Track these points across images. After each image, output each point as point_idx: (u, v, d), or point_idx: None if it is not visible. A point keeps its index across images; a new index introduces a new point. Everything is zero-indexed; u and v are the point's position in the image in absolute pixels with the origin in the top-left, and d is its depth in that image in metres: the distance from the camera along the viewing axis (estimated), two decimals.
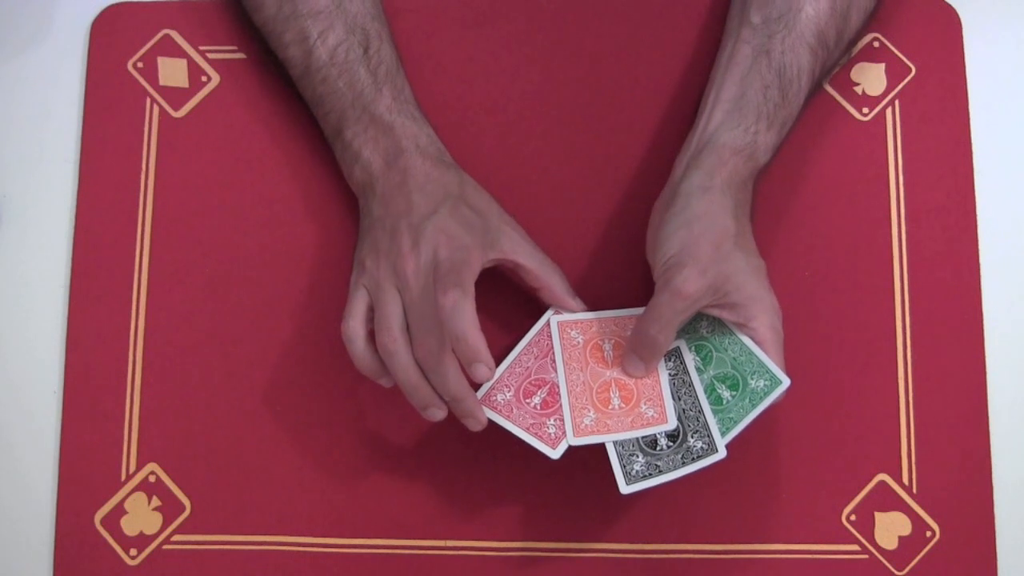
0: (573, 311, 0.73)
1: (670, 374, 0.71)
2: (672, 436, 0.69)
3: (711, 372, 0.70)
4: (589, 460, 0.70)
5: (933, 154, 0.79)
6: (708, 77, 0.77)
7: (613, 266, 0.77)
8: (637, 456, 0.68)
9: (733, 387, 0.69)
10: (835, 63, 0.77)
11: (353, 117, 0.73)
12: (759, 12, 0.73)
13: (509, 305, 0.76)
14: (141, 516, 0.76)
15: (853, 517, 0.75)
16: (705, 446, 0.68)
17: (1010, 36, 0.81)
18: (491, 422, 0.69)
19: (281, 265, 0.78)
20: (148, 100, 0.81)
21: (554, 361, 0.71)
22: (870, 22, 0.76)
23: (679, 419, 0.69)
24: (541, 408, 0.70)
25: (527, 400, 0.70)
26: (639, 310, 0.69)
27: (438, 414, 0.69)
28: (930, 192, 0.78)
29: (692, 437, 0.68)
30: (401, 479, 0.76)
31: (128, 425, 0.77)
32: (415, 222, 0.70)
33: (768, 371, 0.68)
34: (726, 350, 0.70)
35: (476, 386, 0.69)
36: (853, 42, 0.77)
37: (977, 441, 0.75)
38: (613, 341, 0.72)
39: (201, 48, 0.82)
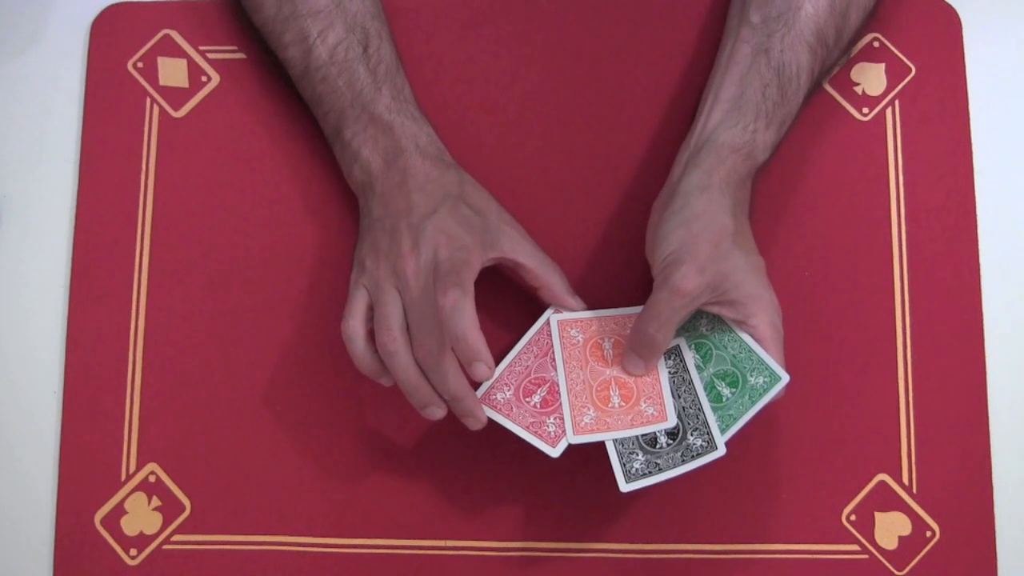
0: (573, 310, 0.73)
1: (670, 372, 0.71)
2: (672, 434, 0.69)
3: (711, 370, 0.70)
4: (589, 459, 0.70)
5: (933, 154, 0.79)
6: (707, 76, 0.77)
7: (613, 265, 0.77)
8: (637, 454, 0.68)
9: (733, 384, 0.69)
10: (835, 62, 0.77)
11: (352, 116, 0.73)
12: (758, 11, 0.73)
13: (509, 304, 0.76)
14: (141, 516, 0.76)
15: (853, 517, 0.75)
16: (705, 444, 0.68)
17: (1010, 36, 0.81)
18: (491, 421, 0.69)
19: (281, 265, 0.78)
20: (148, 100, 0.81)
21: (554, 360, 0.71)
22: (870, 21, 0.76)
23: (679, 417, 0.69)
24: (541, 407, 0.70)
25: (527, 399, 0.70)
26: (639, 308, 0.69)
27: (438, 413, 0.69)
28: (930, 192, 0.78)
29: (692, 435, 0.68)
30: (401, 479, 0.76)
31: (128, 425, 0.77)
32: (415, 222, 0.70)
33: (767, 368, 0.68)
34: (726, 347, 0.70)
35: (476, 385, 0.69)
36: (853, 41, 0.77)
37: (977, 441, 0.75)
38: (613, 340, 0.72)
39: (201, 48, 0.82)
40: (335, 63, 0.73)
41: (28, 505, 0.76)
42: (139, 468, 0.76)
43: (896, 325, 0.77)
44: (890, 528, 0.75)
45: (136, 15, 0.82)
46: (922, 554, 0.74)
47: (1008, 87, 0.81)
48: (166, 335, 0.78)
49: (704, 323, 0.71)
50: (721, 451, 0.67)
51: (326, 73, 0.74)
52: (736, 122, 0.71)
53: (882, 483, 0.75)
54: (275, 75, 0.79)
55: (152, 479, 0.76)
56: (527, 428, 0.69)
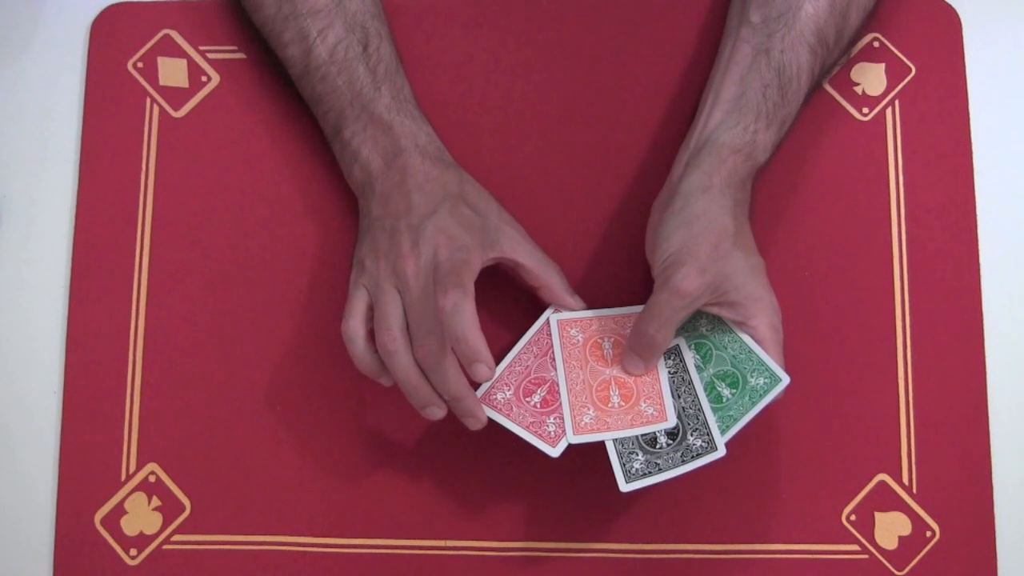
0: (573, 309, 0.73)
1: (670, 372, 0.71)
2: (672, 434, 0.69)
3: (711, 370, 0.70)
4: (589, 459, 0.70)
5: (933, 154, 0.79)
6: (707, 76, 0.77)
7: (613, 265, 0.77)
8: (637, 454, 0.68)
9: (733, 385, 0.69)
10: (835, 62, 0.77)
11: (352, 116, 0.73)
12: (759, 11, 0.73)
13: (509, 304, 0.76)
14: (141, 516, 0.76)
15: (853, 517, 0.75)
16: (705, 444, 0.68)
17: (1010, 36, 0.81)
18: (491, 421, 0.69)
19: (281, 265, 0.78)
20: (148, 100, 0.81)
21: (554, 360, 0.71)
22: (870, 21, 0.76)
23: (679, 417, 0.69)
24: (541, 406, 0.70)
25: (527, 399, 0.70)
26: (638, 308, 0.69)
27: (438, 413, 0.69)
28: (930, 192, 0.78)
29: (692, 435, 0.68)
30: (401, 479, 0.76)
31: (128, 425, 0.77)
32: (415, 222, 0.70)
33: (768, 369, 0.68)
34: (726, 348, 0.70)
35: (476, 385, 0.69)
36: (853, 41, 0.77)
37: (977, 441, 0.75)
38: (613, 339, 0.72)
39: (201, 48, 0.82)
40: (335, 62, 0.73)
41: (28, 505, 0.76)
42: (139, 468, 0.76)
43: (896, 325, 0.77)
44: (890, 528, 0.75)
45: (136, 15, 0.82)
46: (922, 554, 0.74)
47: (1008, 87, 0.81)
48: (166, 335, 0.78)
49: (704, 323, 0.71)
50: (721, 452, 0.67)
51: (326, 72, 0.74)
52: (736, 122, 0.71)
53: (882, 483, 0.75)
54: (275, 75, 0.79)
55: (152, 479, 0.76)
56: (527, 428, 0.69)
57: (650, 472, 0.67)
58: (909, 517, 0.75)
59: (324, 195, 0.79)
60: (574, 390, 0.70)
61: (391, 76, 0.74)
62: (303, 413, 0.77)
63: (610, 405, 0.70)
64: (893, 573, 0.74)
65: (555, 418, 0.69)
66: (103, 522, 0.76)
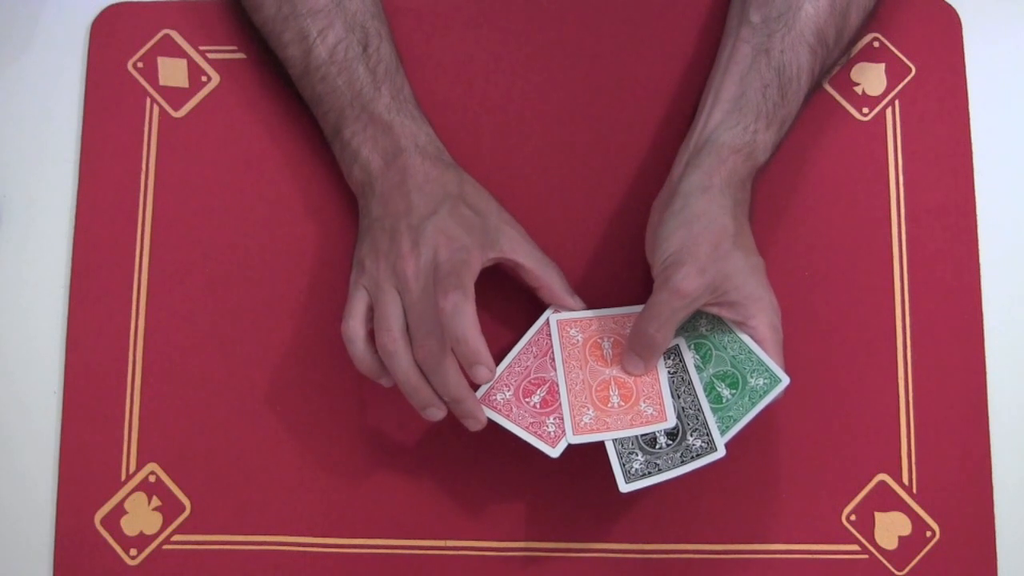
0: (572, 310, 0.73)
1: (669, 372, 0.71)
2: (671, 434, 0.69)
3: (710, 370, 0.70)
4: (589, 459, 0.70)
5: (933, 154, 0.79)
6: (707, 76, 0.77)
7: (613, 265, 0.77)
8: (636, 455, 0.68)
9: (732, 385, 0.69)
10: (835, 62, 0.77)
11: (352, 116, 0.73)
12: (759, 11, 0.73)
13: (509, 304, 0.76)
14: (141, 516, 0.76)
15: (853, 517, 0.75)
16: (704, 444, 0.68)
17: (1010, 36, 0.81)
18: (491, 421, 0.69)
19: (281, 265, 0.78)
20: (148, 100, 0.81)
21: (553, 360, 0.71)
22: (870, 21, 0.76)
23: (678, 417, 0.69)
24: (540, 407, 0.70)
25: (527, 399, 0.70)
26: (638, 308, 0.69)
27: (437, 414, 0.69)
28: (930, 192, 0.78)
29: (691, 435, 0.68)
30: (401, 479, 0.76)
31: (128, 425, 0.77)
32: (414, 223, 0.70)
33: (767, 369, 0.68)
34: (725, 348, 0.70)
35: (476, 386, 0.69)
36: (853, 41, 0.77)
37: (977, 441, 0.75)
38: (612, 339, 0.72)
39: (201, 48, 0.82)
40: (335, 62, 0.73)
41: (28, 505, 0.76)
42: (139, 468, 0.76)
43: (896, 325, 0.77)
44: (890, 528, 0.75)
45: (136, 15, 0.82)
46: (922, 554, 0.74)
47: (1008, 87, 0.81)
48: (166, 335, 0.78)
49: (704, 323, 0.71)
50: (721, 452, 0.67)
51: (326, 72, 0.74)
52: (736, 122, 0.71)
53: (882, 483, 0.75)
54: (275, 75, 0.79)
55: (152, 479, 0.76)
56: (527, 428, 0.69)
57: (650, 472, 0.67)
58: (909, 517, 0.75)
59: (324, 195, 0.79)
60: (574, 390, 0.70)
61: (391, 76, 0.74)
62: (303, 413, 0.77)
63: (610, 405, 0.70)
64: (893, 573, 0.74)
65: (555, 418, 0.69)
66: (103, 522, 0.76)
